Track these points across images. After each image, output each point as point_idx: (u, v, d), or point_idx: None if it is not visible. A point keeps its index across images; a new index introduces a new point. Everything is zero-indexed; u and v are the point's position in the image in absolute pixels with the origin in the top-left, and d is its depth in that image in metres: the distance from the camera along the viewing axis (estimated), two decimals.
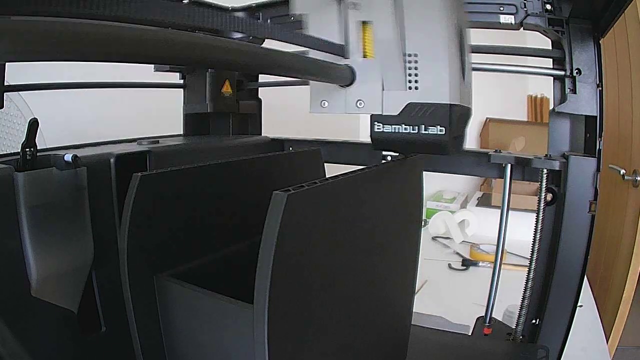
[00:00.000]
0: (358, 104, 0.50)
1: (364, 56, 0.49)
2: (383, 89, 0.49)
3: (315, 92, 0.52)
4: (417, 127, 0.49)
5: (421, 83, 0.48)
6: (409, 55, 0.48)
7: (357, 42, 0.49)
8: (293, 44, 0.44)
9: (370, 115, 0.51)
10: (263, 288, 0.36)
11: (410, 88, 0.48)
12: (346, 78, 0.49)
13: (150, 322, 0.48)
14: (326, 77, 0.47)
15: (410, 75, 0.48)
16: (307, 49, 0.47)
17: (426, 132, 0.49)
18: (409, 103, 0.49)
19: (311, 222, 0.41)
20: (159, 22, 0.26)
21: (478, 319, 0.88)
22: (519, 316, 0.81)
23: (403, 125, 0.49)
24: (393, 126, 0.50)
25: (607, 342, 1.06)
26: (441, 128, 0.48)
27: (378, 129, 0.51)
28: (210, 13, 0.29)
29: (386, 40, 0.47)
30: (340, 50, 0.49)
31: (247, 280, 0.39)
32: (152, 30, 0.25)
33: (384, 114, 0.50)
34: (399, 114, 0.49)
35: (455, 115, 0.49)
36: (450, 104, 0.47)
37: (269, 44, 0.42)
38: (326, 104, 0.52)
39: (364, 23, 0.48)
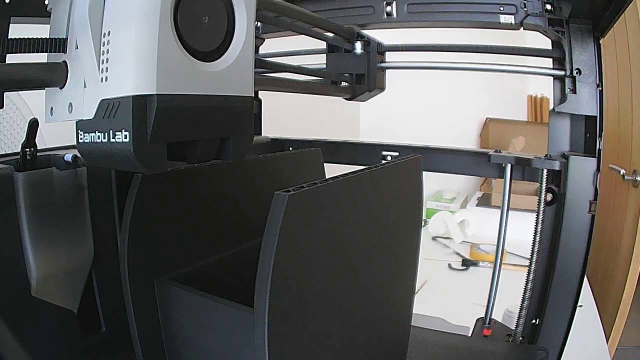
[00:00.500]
0: (69, 108, 0.39)
1: (76, 47, 0.38)
2: (85, 86, 0.37)
3: (46, 97, 0.41)
4: (106, 133, 0.36)
5: (111, 71, 0.35)
6: (104, 35, 0.35)
7: (72, 30, 0.38)
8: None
9: (76, 123, 0.39)
10: (263, 292, 0.36)
11: (102, 80, 0.36)
12: (60, 77, 0.39)
13: (151, 325, 0.48)
14: (36, 81, 0.38)
15: (103, 62, 0.36)
16: None
17: (114, 140, 0.35)
18: (101, 100, 0.36)
19: (312, 223, 0.41)
20: None
21: (478, 320, 0.88)
22: (519, 317, 0.81)
23: (97, 132, 0.36)
24: (89, 134, 0.37)
25: (607, 342, 1.06)
26: (125, 132, 0.34)
27: (81, 139, 0.38)
28: None
29: (78, 16, 0.36)
30: (62, 45, 0.39)
31: (248, 283, 0.39)
32: None
33: (84, 118, 0.37)
34: (93, 118, 0.37)
35: (163, 112, 0.35)
36: (136, 96, 0.34)
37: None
38: (52, 110, 0.41)
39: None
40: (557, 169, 0.75)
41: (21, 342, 0.53)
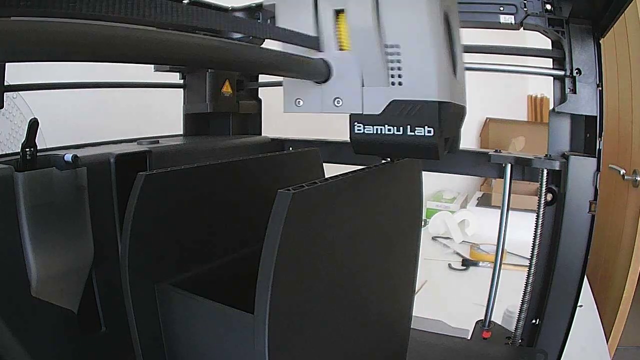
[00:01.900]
0: (336, 102, 0.45)
1: (340, 49, 0.44)
2: (363, 85, 0.44)
3: (289, 89, 0.47)
4: (401, 127, 0.43)
5: (405, 78, 0.42)
6: (391, 46, 0.42)
7: (332, 32, 0.44)
8: (260, 37, 0.41)
9: (350, 115, 0.45)
10: (264, 297, 0.36)
11: (393, 84, 0.43)
12: (321, 73, 0.44)
13: (152, 329, 0.48)
14: (298, 73, 0.43)
15: (392, 69, 0.42)
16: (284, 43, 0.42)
17: (412, 133, 0.43)
18: (392, 101, 0.43)
19: (313, 222, 0.41)
20: (151, 22, 0.26)
21: (477, 322, 0.88)
22: (519, 317, 0.81)
23: (386, 125, 0.44)
24: (375, 127, 0.44)
25: (607, 342, 1.06)
26: (429, 129, 0.42)
27: (358, 130, 0.45)
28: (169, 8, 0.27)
29: (363, 29, 0.42)
30: (314, 43, 0.44)
31: (248, 288, 0.39)
32: (140, 30, 0.25)
33: (364, 113, 0.44)
34: (381, 113, 0.44)
35: (446, 114, 0.43)
36: (440, 102, 0.42)
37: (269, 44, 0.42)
38: (301, 102, 0.46)
39: (338, 11, 0.43)
40: (557, 169, 0.75)
41: (21, 342, 0.53)
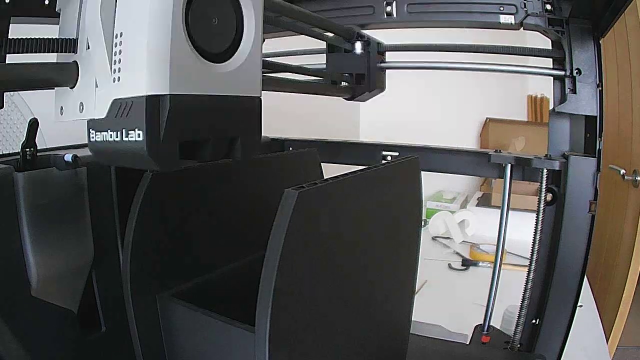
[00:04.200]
0: (80, 107, 0.39)
1: (87, 47, 0.39)
2: (96, 86, 0.38)
3: (56, 97, 0.42)
4: (118, 132, 0.36)
5: (123, 71, 0.36)
6: (117, 36, 0.36)
7: (83, 30, 0.39)
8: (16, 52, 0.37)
9: (87, 122, 0.39)
10: (264, 312, 0.36)
11: (114, 80, 0.37)
12: (71, 77, 0.39)
13: (153, 339, 0.48)
14: (46, 82, 0.38)
15: (115, 62, 0.36)
16: None
17: (127, 138, 0.36)
18: (113, 100, 0.37)
19: (316, 223, 0.41)
20: None
21: (476, 327, 0.88)
22: (519, 317, 0.81)
23: (109, 131, 0.37)
24: (102, 133, 0.38)
25: (607, 342, 1.06)
26: (138, 132, 0.35)
27: (93, 138, 0.39)
28: None
29: (90, 17, 0.37)
30: (73, 46, 0.40)
31: (251, 296, 0.39)
32: None
33: (96, 117, 0.38)
34: (105, 117, 0.37)
35: (177, 112, 0.35)
36: (152, 96, 0.34)
37: None
38: (63, 110, 0.41)
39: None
40: (557, 169, 0.75)
41: (21, 342, 0.53)
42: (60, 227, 0.59)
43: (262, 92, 0.44)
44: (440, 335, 0.89)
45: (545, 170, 0.77)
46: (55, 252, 0.58)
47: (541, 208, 0.78)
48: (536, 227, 0.79)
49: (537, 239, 0.79)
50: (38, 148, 0.57)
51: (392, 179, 0.58)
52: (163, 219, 0.50)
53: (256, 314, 0.36)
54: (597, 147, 0.73)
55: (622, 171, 1.52)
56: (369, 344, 0.55)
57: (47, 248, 0.56)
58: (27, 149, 0.55)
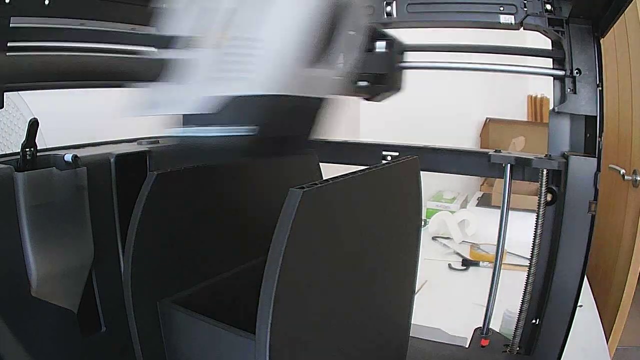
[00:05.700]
0: (172, 102, 0.42)
1: (178, 46, 0.42)
2: (194, 83, 0.42)
3: (142, 92, 0.44)
4: (224, 127, 0.41)
5: (231, 73, 0.40)
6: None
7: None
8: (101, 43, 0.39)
9: (183, 116, 0.43)
10: (265, 318, 0.36)
11: (218, 79, 0.41)
12: (162, 73, 0.42)
13: (154, 345, 0.49)
14: (141, 75, 0.41)
15: (221, 63, 0.41)
16: None
17: (233, 132, 0.41)
18: (215, 97, 0.40)
19: (318, 223, 0.41)
20: None
21: (475, 330, 0.88)
22: (519, 317, 0.81)
23: (211, 125, 0.41)
24: (202, 127, 0.42)
25: (607, 342, 1.06)
26: (248, 127, 0.40)
27: (187, 131, 0.43)
28: None
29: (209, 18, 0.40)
30: (159, 41, 0.43)
31: (252, 301, 0.39)
32: None
33: (191, 112, 0.42)
34: (206, 112, 0.41)
35: (273, 111, 0.40)
36: (260, 95, 0.39)
37: None
38: (144, 104, 0.44)
39: None
40: (557, 169, 0.75)
41: (21, 342, 0.53)
42: (60, 227, 0.59)
43: None
44: (439, 338, 0.89)
45: (545, 170, 0.77)
46: (55, 252, 0.58)
47: (541, 208, 0.78)
48: (536, 227, 0.79)
49: (537, 239, 0.79)
50: (38, 148, 0.57)
51: (392, 179, 0.58)
52: (164, 227, 0.50)
53: (257, 320, 0.36)
54: (597, 147, 0.73)
55: (622, 171, 1.52)
56: (369, 347, 0.55)
57: (47, 248, 0.56)
58: (27, 149, 0.55)
